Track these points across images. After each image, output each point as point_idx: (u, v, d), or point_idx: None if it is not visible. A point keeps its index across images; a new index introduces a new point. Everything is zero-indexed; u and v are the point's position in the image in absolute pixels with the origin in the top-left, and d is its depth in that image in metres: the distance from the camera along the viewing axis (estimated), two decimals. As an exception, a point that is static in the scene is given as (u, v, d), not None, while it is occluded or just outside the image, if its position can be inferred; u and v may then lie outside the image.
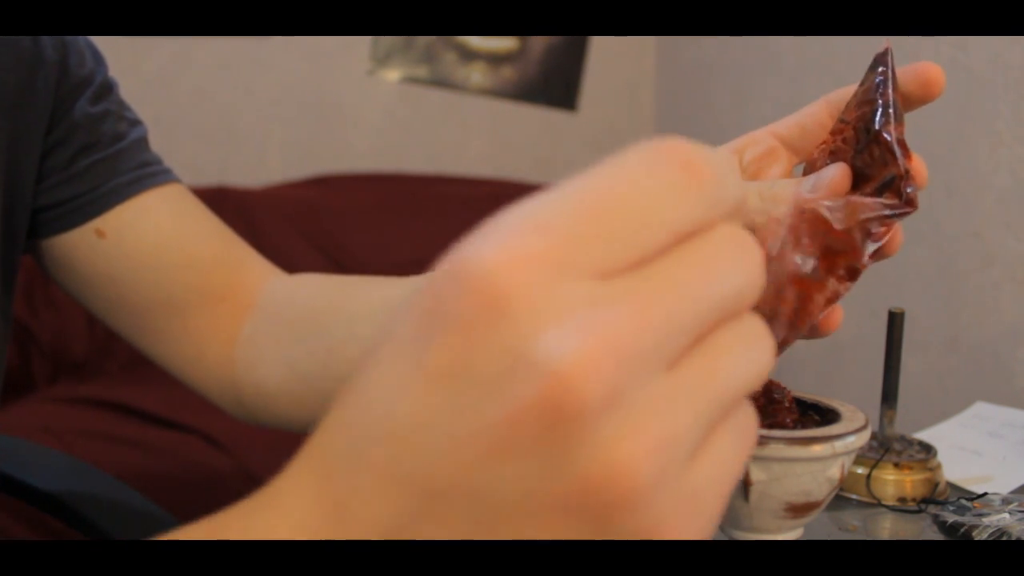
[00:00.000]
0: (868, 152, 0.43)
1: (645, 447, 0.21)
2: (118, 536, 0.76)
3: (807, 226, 0.41)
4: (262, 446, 1.48)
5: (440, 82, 2.22)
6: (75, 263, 0.64)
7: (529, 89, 2.26)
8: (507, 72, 2.25)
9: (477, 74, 2.23)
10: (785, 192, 0.44)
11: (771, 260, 0.41)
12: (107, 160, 0.63)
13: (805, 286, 0.42)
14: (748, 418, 0.24)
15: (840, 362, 1.52)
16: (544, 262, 0.21)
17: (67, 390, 1.69)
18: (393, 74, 2.21)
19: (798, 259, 0.41)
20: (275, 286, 0.67)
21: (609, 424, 0.21)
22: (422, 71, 2.21)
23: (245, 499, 0.26)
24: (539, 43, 2.24)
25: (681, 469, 0.22)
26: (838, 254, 0.41)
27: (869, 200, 0.42)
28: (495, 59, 2.23)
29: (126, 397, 1.61)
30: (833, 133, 0.46)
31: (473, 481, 0.22)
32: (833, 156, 0.45)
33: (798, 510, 0.53)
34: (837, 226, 0.41)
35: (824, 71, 1.56)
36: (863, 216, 0.41)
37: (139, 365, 1.77)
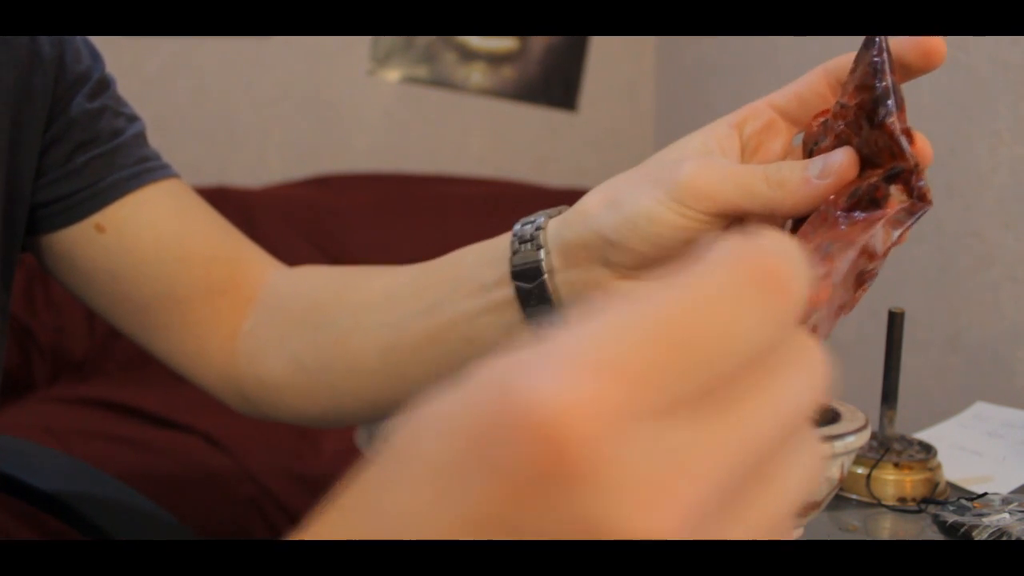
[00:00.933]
0: (872, 140, 0.43)
1: None
2: (118, 536, 0.76)
3: (861, 260, 0.41)
4: (262, 446, 1.48)
5: (440, 82, 2.22)
6: (75, 259, 0.64)
7: (529, 89, 2.26)
8: (507, 72, 2.25)
9: (477, 74, 2.23)
10: (791, 176, 0.43)
11: (826, 300, 0.42)
12: (105, 156, 0.63)
13: (843, 307, 0.42)
14: (791, 527, 0.23)
15: (840, 362, 1.52)
16: (615, 410, 0.19)
17: (67, 390, 1.69)
18: (393, 74, 2.21)
19: (843, 291, 0.42)
20: (277, 279, 0.67)
21: None
22: (422, 71, 2.21)
23: None
24: (539, 43, 2.24)
25: None
26: (868, 273, 0.42)
27: (893, 214, 0.42)
28: (495, 59, 2.23)
29: (126, 397, 1.61)
30: (835, 116, 0.45)
31: None
32: (838, 140, 0.45)
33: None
34: (879, 251, 0.41)
35: (824, 71, 1.56)
36: (895, 232, 0.41)
37: (139, 365, 1.77)
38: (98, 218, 0.63)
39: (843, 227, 0.43)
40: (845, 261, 0.41)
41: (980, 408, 0.90)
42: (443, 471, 0.20)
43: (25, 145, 0.60)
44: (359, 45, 2.17)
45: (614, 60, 2.30)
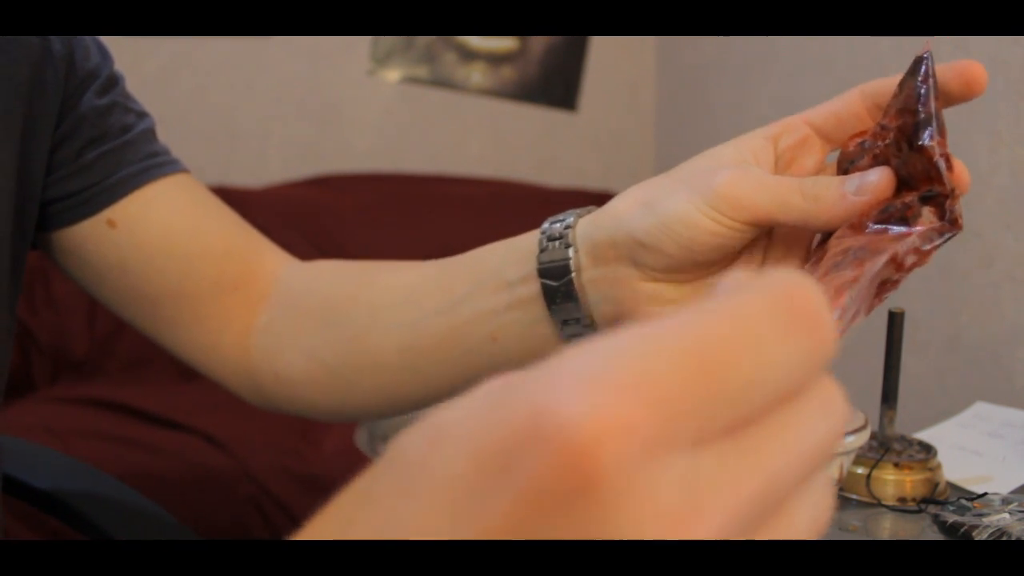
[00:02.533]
0: (911, 163, 0.44)
1: None
2: (118, 536, 0.76)
3: (886, 268, 0.42)
4: (262, 446, 1.48)
5: (440, 82, 2.22)
6: (87, 254, 0.64)
7: (529, 89, 2.26)
8: (507, 72, 2.25)
9: (477, 74, 2.23)
10: (828, 191, 0.44)
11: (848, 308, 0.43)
12: (115, 151, 0.63)
13: (858, 312, 0.43)
14: None
15: (840, 362, 1.52)
16: (645, 434, 0.19)
17: (67, 390, 1.69)
18: (393, 74, 2.21)
19: (865, 296, 0.42)
20: (291, 274, 0.67)
21: None
22: (422, 71, 2.21)
23: None
24: (539, 43, 2.24)
25: None
26: (891, 283, 0.43)
27: (927, 229, 0.43)
28: (495, 59, 2.23)
29: (126, 397, 1.61)
30: (874, 136, 0.46)
31: None
32: (875, 160, 0.46)
33: (798, 510, 0.53)
34: (907, 263, 0.42)
35: (823, 71, 1.56)
36: (924, 247, 0.42)
37: (139, 365, 1.77)
38: (109, 213, 0.63)
39: (874, 236, 0.44)
40: (875, 265, 0.42)
41: (980, 408, 0.90)
42: (462, 485, 0.20)
43: (37, 141, 0.60)
44: (359, 45, 2.17)
45: (614, 60, 2.30)
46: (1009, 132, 1.20)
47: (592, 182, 2.28)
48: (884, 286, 0.43)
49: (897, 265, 0.42)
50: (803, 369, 0.21)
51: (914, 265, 0.42)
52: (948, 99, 0.46)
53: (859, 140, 0.47)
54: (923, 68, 0.44)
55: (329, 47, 2.16)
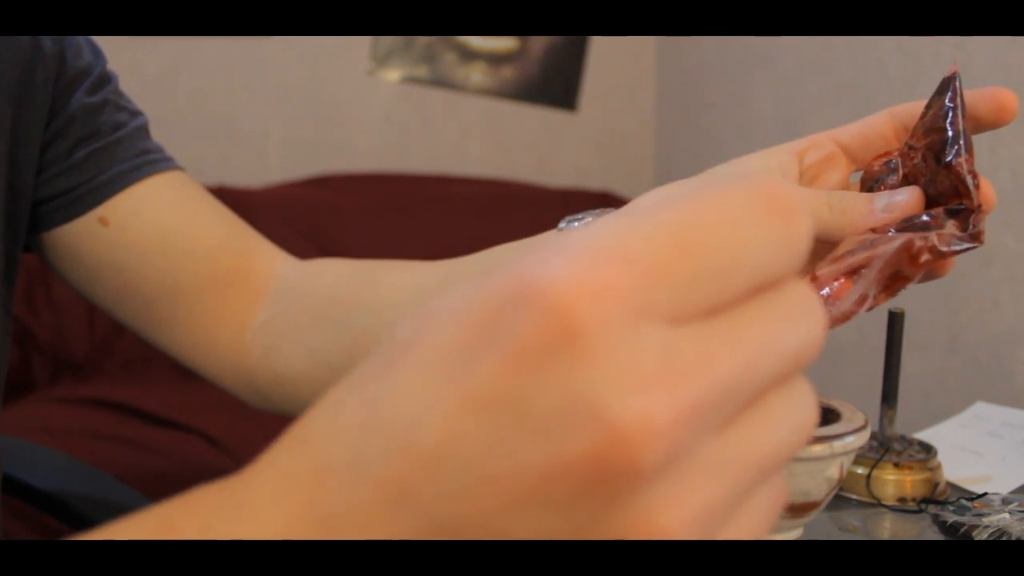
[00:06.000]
0: (939, 180, 0.45)
1: (686, 516, 0.20)
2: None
3: (899, 257, 0.42)
4: (262, 446, 1.47)
5: (440, 82, 2.22)
6: (80, 254, 0.64)
7: (529, 89, 2.26)
8: (507, 72, 2.25)
9: (477, 74, 2.23)
10: (855, 206, 0.45)
11: (855, 286, 0.43)
12: (106, 148, 0.63)
13: (864, 298, 0.43)
14: (782, 482, 0.23)
15: (840, 362, 1.52)
16: (625, 298, 0.20)
17: (67, 390, 1.69)
18: (393, 74, 2.21)
19: (874, 289, 0.42)
20: (291, 272, 0.66)
21: (657, 491, 0.20)
22: (422, 71, 2.21)
23: (206, 493, 0.23)
24: (539, 43, 2.24)
25: (714, 535, 0.21)
26: (902, 278, 0.43)
27: (948, 233, 0.43)
28: (495, 59, 2.23)
29: (126, 397, 1.61)
30: (902, 156, 0.47)
31: (492, 525, 0.20)
32: (904, 180, 0.46)
33: (797, 510, 0.53)
34: (922, 259, 0.42)
35: (823, 71, 1.56)
36: (942, 248, 0.42)
37: (139, 365, 1.77)
38: (101, 211, 0.63)
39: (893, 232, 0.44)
40: (887, 249, 0.42)
41: (980, 408, 0.90)
42: (451, 353, 0.21)
43: (26, 141, 0.60)
44: (359, 45, 2.17)
45: (614, 60, 2.30)
46: (1009, 132, 1.20)
47: (592, 182, 2.28)
48: (896, 280, 0.42)
49: (911, 257, 0.42)
50: (780, 257, 0.22)
51: (928, 264, 0.42)
52: (978, 124, 0.46)
53: (884, 160, 0.48)
54: (951, 88, 0.45)
55: (329, 47, 2.16)
